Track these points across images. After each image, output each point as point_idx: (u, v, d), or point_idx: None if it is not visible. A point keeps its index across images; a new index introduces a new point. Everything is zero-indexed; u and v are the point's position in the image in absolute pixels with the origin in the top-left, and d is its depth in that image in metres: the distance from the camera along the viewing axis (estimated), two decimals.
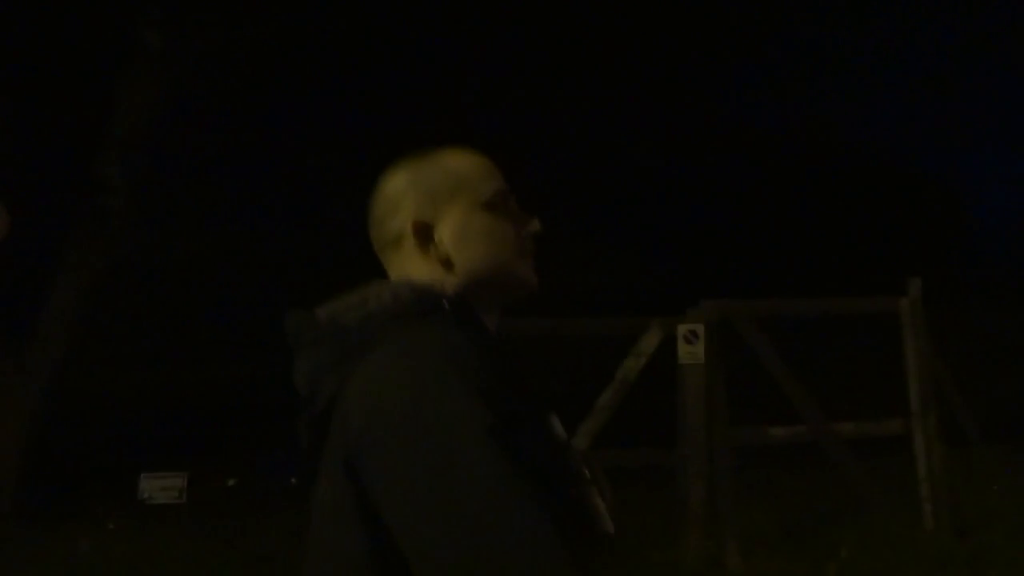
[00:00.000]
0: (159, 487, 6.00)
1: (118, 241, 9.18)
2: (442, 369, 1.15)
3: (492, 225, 1.32)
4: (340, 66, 12.45)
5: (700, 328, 5.84)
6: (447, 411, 1.12)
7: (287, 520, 6.79)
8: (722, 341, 6.16)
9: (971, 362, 8.81)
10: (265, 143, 12.29)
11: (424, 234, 1.31)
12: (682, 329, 5.83)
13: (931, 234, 12.78)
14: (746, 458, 6.21)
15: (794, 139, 13.44)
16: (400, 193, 1.34)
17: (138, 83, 9.48)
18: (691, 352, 5.79)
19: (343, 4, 11.81)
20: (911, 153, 14.78)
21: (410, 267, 1.32)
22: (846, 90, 15.27)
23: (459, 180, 1.33)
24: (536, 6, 12.30)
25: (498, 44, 12.48)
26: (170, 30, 9.48)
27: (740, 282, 9.09)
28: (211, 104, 11.05)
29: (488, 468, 1.09)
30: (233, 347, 9.62)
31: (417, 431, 1.11)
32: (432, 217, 1.32)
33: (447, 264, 1.30)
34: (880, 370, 7.34)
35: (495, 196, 1.33)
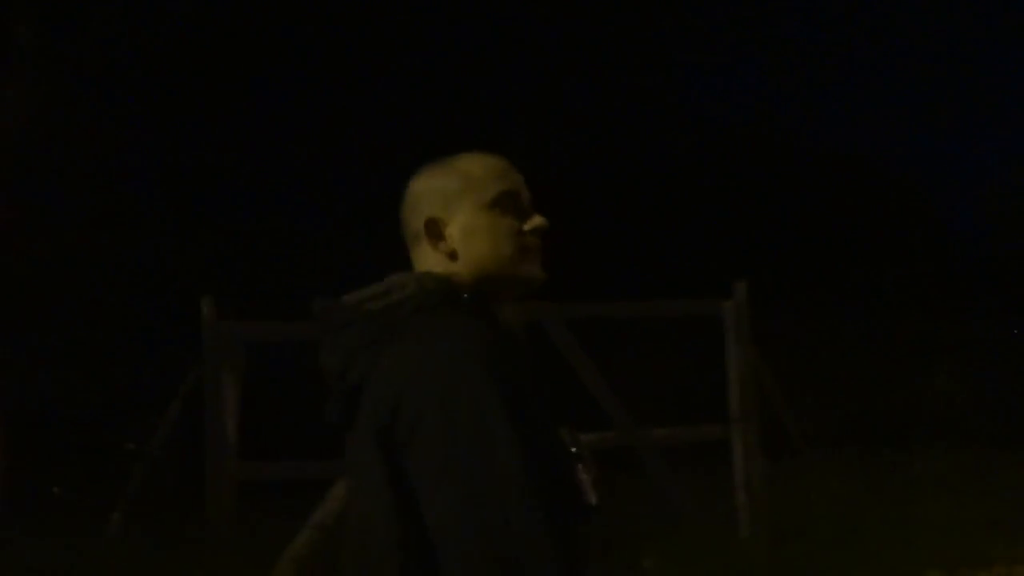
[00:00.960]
0: None
1: None
2: (467, 356, 1.31)
3: (495, 223, 1.47)
4: (228, 66, 11.94)
5: None
6: (474, 394, 1.28)
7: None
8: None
9: (801, 367, 8.81)
10: (147, 145, 11.72)
11: (435, 230, 1.48)
12: None
13: (763, 235, 12.69)
14: None
15: (627, 128, 12.98)
16: (419, 195, 1.51)
17: (11, 82, 9.11)
18: None
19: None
20: (748, 146, 14.15)
21: (426, 261, 1.48)
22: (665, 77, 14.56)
23: (468, 181, 1.48)
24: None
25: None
26: (45, 28, 9.15)
27: (570, 285, 8.77)
28: (89, 105, 10.57)
29: (504, 447, 1.26)
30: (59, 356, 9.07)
31: (448, 413, 1.28)
32: (443, 215, 1.48)
33: (453, 257, 1.46)
34: (705, 376, 7.21)
35: (500, 196, 1.48)
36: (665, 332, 8.39)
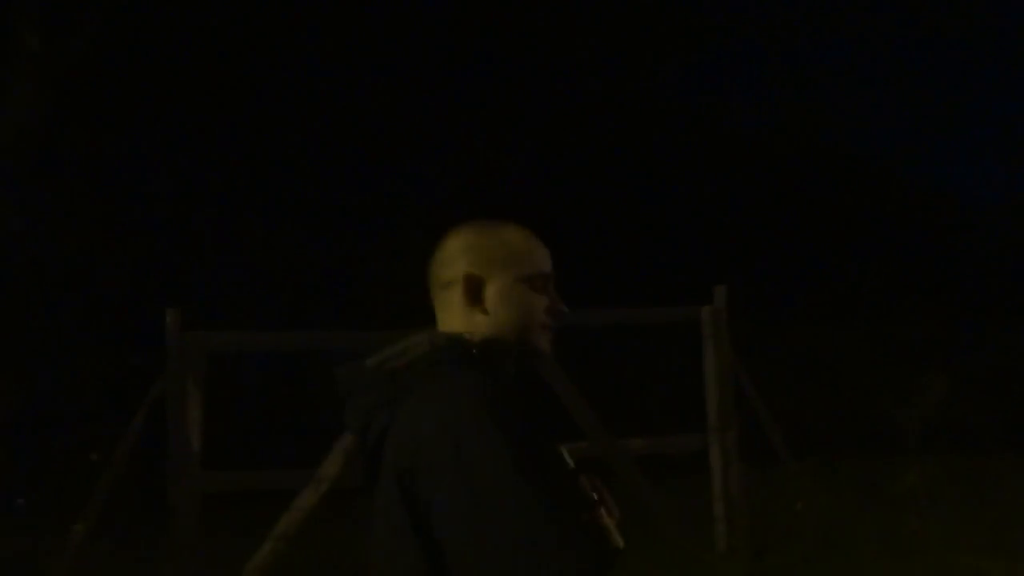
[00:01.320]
0: None
1: None
2: (476, 409, 1.45)
3: (528, 297, 1.63)
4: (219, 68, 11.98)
5: None
6: (482, 446, 1.41)
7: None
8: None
9: (784, 373, 8.63)
10: (145, 146, 11.75)
11: (473, 286, 1.62)
12: None
13: (745, 239, 12.43)
14: None
15: (605, 132, 12.74)
16: (460, 249, 1.64)
17: (17, 85, 9.15)
18: None
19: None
20: (731, 148, 13.79)
21: (454, 308, 1.64)
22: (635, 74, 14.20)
23: (512, 252, 1.64)
24: None
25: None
26: (49, 31, 9.22)
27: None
28: (91, 105, 10.62)
29: (515, 496, 1.37)
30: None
31: (459, 464, 1.41)
32: (484, 275, 1.62)
33: (484, 313, 1.61)
34: (685, 384, 7.06)
35: (536, 275, 1.65)
36: (642, 339, 8.26)
